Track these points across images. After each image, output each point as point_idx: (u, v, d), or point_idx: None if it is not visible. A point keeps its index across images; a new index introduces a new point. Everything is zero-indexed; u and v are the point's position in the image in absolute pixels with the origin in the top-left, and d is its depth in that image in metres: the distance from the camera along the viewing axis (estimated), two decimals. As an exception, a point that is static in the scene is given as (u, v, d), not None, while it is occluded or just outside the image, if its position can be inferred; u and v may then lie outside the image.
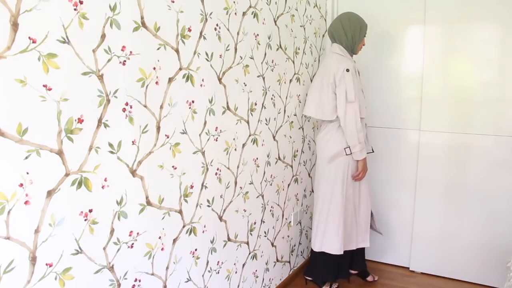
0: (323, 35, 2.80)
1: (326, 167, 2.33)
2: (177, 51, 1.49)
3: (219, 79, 1.74)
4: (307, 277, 2.54)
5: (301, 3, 2.42)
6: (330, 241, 2.33)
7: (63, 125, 1.11)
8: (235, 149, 1.90)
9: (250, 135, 2.01)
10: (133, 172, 1.36)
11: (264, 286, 2.31)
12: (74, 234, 1.18)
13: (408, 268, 2.79)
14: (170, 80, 1.48)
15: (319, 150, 2.39)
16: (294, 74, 2.42)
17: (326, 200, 2.34)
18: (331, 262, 2.39)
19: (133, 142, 1.35)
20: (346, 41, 2.30)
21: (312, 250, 2.46)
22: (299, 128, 2.56)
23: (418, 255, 2.74)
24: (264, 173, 2.18)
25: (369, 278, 2.62)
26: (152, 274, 1.50)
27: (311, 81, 2.65)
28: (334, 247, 2.32)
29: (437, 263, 2.69)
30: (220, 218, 1.85)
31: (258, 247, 2.20)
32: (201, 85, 1.63)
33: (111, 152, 1.27)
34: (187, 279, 1.68)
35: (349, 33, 2.27)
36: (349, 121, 2.20)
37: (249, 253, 2.12)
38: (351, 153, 2.25)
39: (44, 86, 1.05)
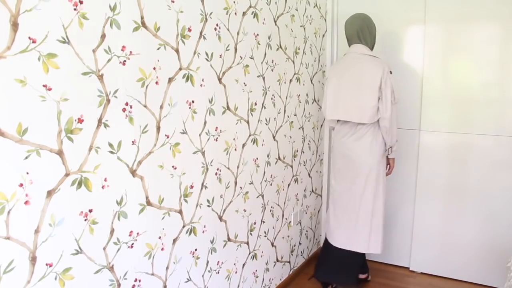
0: (323, 35, 2.80)
1: (370, 169, 2.26)
2: (177, 51, 1.50)
3: (219, 79, 1.74)
4: (321, 280, 2.50)
5: (301, 3, 2.42)
6: (375, 242, 2.31)
7: (63, 125, 1.12)
8: (235, 149, 1.90)
9: (250, 135, 2.01)
10: (133, 172, 1.36)
11: (264, 286, 2.31)
12: (74, 234, 1.18)
13: (408, 268, 2.79)
14: (170, 80, 1.48)
15: (362, 153, 2.25)
16: (294, 74, 2.42)
17: (369, 202, 2.28)
18: (360, 262, 2.42)
19: (133, 142, 1.35)
20: (371, 41, 2.28)
21: (333, 252, 2.39)
22: (299, 128, 2.55)
23: (418, 255, 2.74)
24: (264, 173, 2.18)
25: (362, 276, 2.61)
26: (152, 274, 1.50)
27: (311, 81, 2.65)
28: (380, 247, 2.32)
29: (437, 263, 2.69)
30: (220, 218, 1.85)
31: (258, 247, 2.20)
32: (201, 85, 1.63)
33: (111, 152, 1.28)
34: (187, 279, 1.68)
35: (373, 33, 2.28)
36: (393, 122, 2.21)
37: (249, 253, 2.12)
38: (390, 153, 2.31)
39: (44, 86, 1.05)
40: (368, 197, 2.28)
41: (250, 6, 1.90)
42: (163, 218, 1.51)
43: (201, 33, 1.61)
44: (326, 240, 2.50)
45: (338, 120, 2.38)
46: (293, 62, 2.39)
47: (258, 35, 1.99)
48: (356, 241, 2.33)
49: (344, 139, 2.31)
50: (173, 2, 1.45)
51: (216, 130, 1.75)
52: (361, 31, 2.25)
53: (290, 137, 2.44)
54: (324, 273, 2.47)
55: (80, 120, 1.16)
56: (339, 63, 2.35)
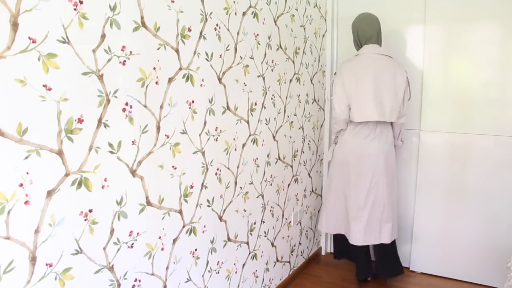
0: (323, 35, 2.79)
1: (392, 165, 2.40)
2: (177, 51, 1.50)
3: (219, 79, 1.74)
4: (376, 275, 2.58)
5: (301, 3, 2.42)
6: (396, 229, 2.45)
7: (63, 125, 1.12)
8: (235, 149, 1.90)
9: (250, 135, 2.01)
10: (133, 172, 1.36)
11: (264, 286, 2.31)
12: (74, 234, 1.18)
13: (408, 268, 2.79)
14: (170, 80, 1.48)
15: (386, 151, 2.33)
16: (294, 74, 2.42)
17: (391, 196, 2.40)
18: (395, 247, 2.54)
19: (133, 142, 1.35)
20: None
21: (381, 249, 2.48)
22: (299, 128, 2.55)
23: (418, 255, 2.74)
24: (264, 173, 2.18)
25: None
26: (152, 274, 1.50)
27: (311, 81, 2.65)
28: (397, 232, 2.49)
29: (437, 263, 2.69)
30: (220, 218, 1.85)
31: (258, 247, 2.20)
32: (201, 85, 1.63)
33: (111, 152, 1.28)
34: (187, 279, 1.68)
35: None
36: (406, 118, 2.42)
37: (249, 253, 2.12)
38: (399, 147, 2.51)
39: (44, 86, 1.06)
40: (390, 192, 2.39)
41: (250, 6, 1.90)
42: (163, 218, 1.51)
43: (201, 33, 1.61)
44: (341, 240, 2.56)
45: (350, 121, 2.34)
46: (293, 62, 2.39)
47: (258, 35, 1.99)
48: (384, 234, 2.39)
49: (367, 140, 2.31)
50: (173, 2, 1.45)
51: (216, 130, 1.75)
52: (379, 32, 2.31)
53: (290, 137, 2.44)
54: (381, 269, 2.55)
55: (80, 120, 1.16)
56: (355, 64, 2.29)
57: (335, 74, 2.37)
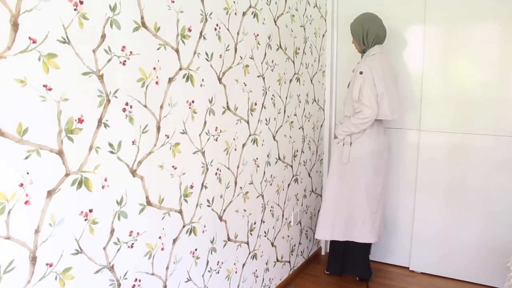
0: (323, 35, 2.80)
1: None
2: (177, 51, 1.50)
3: (219, 79, 1.75)
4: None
5: (301, 3, 2.42)
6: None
7: (63, 125, 1.12)
8: (235, 149, 1.91)
9: (250, 135, 2.01)
10: (133, 172, 1.37)
11: (264, 286, 2.31)
12: (74, 234, 1.19)
13: (408, 268, 2.79)
14: (170, 80, 1.48)
15: (388, 147, 2.50)
16: (294, 74, 2.42)
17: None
18: None
19: (133, 142, 1.35)
20: None
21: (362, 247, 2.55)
22: (299, 128, 2.56)
23: (418, 255, 2.74)
24: (264, 173, 2.18)
25: None
26: (152, 274, 1.50)
27: (311, 81, 2.65)
28: None
29: (437, 263, 2.69)
30: (220, 218, 1.85)
31: (258, 247, 2.20)
32: (201, 85, 1.64)
33: (111, 152, 1.28)
34: (187, 279, 1.68)
35: None
36: None
37: (249, 253, 2.12)
38: None
39: (44, 86, 1.06)
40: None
41: (250, 6, 1.90)
42: (163, 218, 1.52)
43: (201, 33, 1.61)
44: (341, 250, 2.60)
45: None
46: (293, 62, 2.39)
47: (258, 35, 1.99)
48: (382, 227, 2.55)
49: (381, 136, 2.41)
50: (173, 2, 1.45)
51: (216, 130, 1.75)
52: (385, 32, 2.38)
53: (290, 137, 2.44)
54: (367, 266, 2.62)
55: (80, 120, 1.16)
56: (377, 63, 2.28)
57: (360, 73, 2.24)
